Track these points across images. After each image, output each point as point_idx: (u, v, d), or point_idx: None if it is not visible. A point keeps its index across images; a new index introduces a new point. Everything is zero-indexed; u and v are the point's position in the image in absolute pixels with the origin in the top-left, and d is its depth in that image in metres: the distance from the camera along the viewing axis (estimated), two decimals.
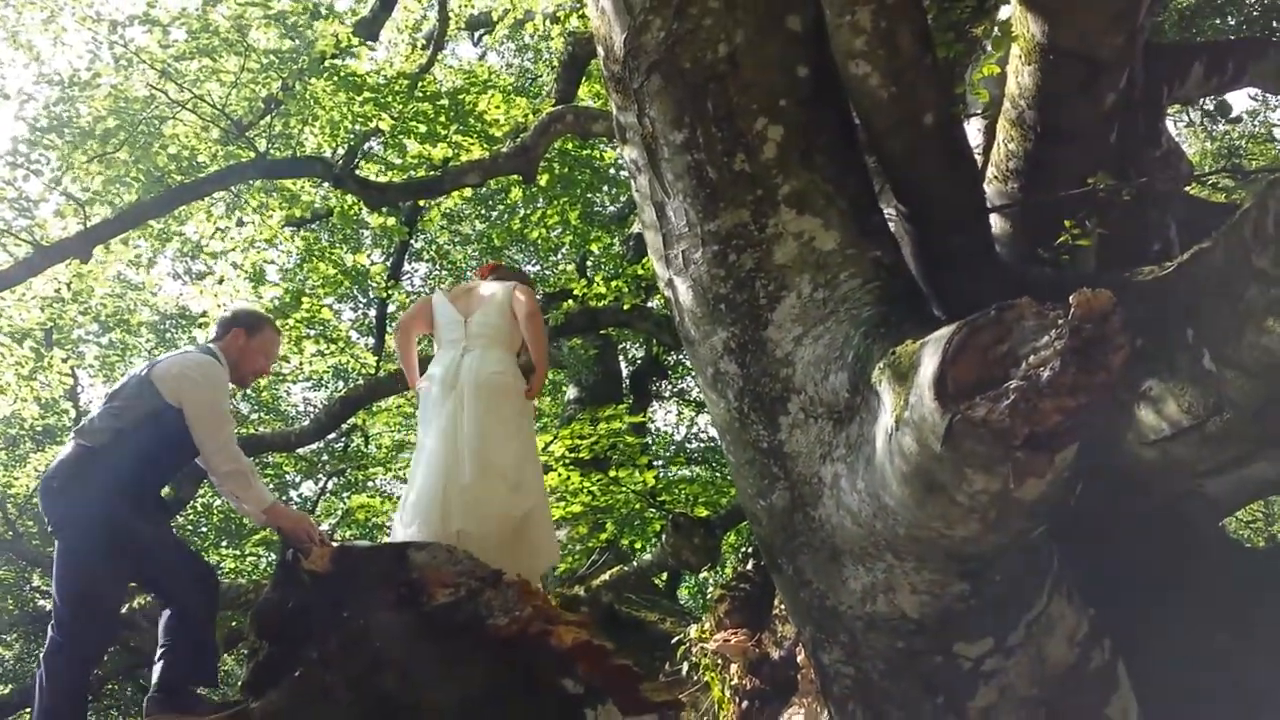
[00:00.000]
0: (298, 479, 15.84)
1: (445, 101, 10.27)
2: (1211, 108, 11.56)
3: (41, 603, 13.22)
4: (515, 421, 4.88)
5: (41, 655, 3.89)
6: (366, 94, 9.73)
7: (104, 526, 3.85)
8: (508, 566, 3.81)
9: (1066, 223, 3.96)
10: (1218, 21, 9.92)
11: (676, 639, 5.53)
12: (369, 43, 11.03)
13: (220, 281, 11.46)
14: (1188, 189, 7.07)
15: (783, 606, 4.78)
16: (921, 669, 3.40)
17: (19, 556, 11.82)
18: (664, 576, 12.16)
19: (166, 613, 3.99)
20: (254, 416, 15.89)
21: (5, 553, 11.95)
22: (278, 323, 11.55)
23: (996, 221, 4.57)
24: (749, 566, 5.36)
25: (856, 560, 3.33)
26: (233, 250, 11.27)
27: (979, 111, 4.95)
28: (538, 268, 14.81)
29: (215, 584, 4.13)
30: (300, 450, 13.36)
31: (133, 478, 3.95)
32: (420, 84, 10.67)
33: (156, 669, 3.89)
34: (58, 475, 3.97)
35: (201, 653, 3.97)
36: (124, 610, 9.63)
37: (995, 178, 4.58)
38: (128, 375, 4.23)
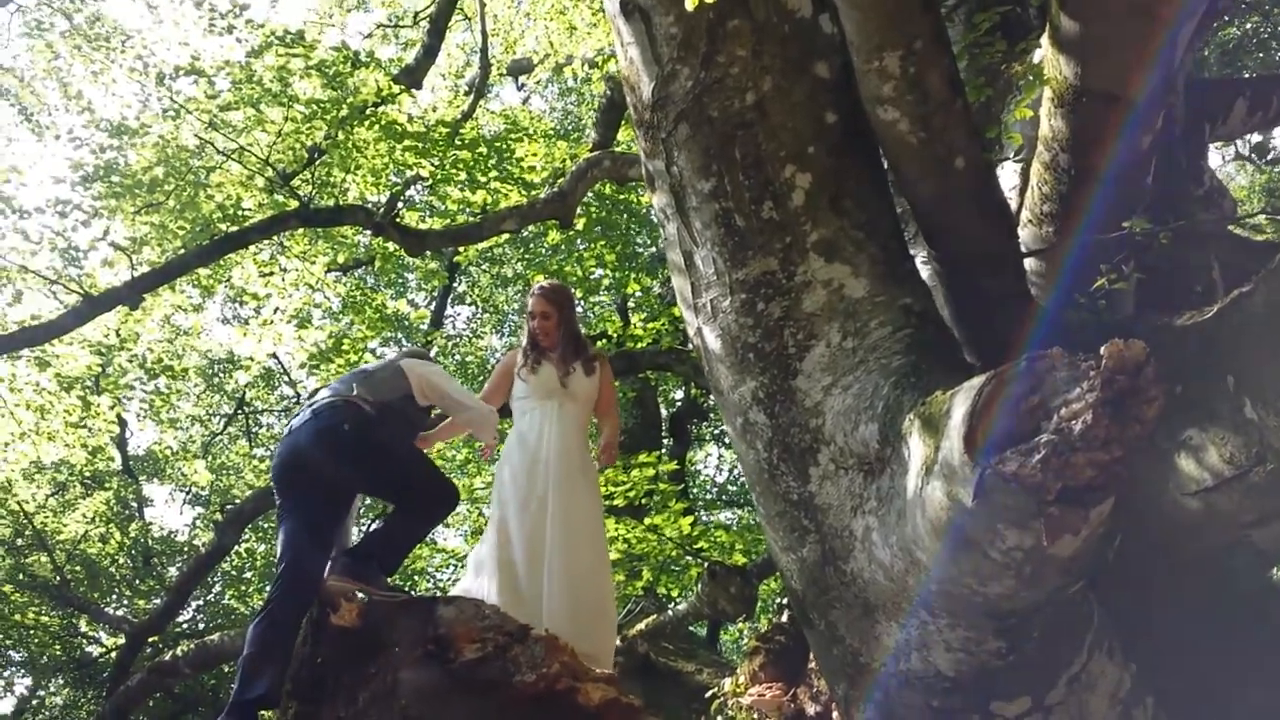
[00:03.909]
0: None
1: (484, 149, 10.35)
2: (1251, 149, 11.37)
3: (89, 649, 13.35)
4: None
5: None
6: (408, 142, 9.83)
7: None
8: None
9: (1103, 266, 3.88)
10: (1261, 56, 9.78)
11: (710, 692, 5.44)
12: (412, 90, 11.16)
13: (264, 325, 11.58)
14: (1233, 227, 6.94)
15: None
16: None
17: (66, 603, 11.94)
18: (704, 625, 12.01)
19: (255, 624, 3.99)
20: None
21: (53, 599, 12.09)
22: (320, 367, 11.67)
23: (1032, 265, 4.49)
24: (784, 618, 5.26)
25: (890, 616, 3.25)
26: (277, 295, 11.39)
27: (1013, 155, 4.89)
28: (580, 309, 14.81)
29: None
30: None
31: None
32: (461, 131, 10.77)
33: (239, 678, 3.89)
34: (358, 422, 4.28)
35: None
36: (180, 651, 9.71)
37: (1030, 221, 4.51)
38: (373, 366, 4.77)
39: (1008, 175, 4.89)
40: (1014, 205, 4.67)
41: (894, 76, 3.44)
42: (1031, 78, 4.07)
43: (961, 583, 2.84)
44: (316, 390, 4.57)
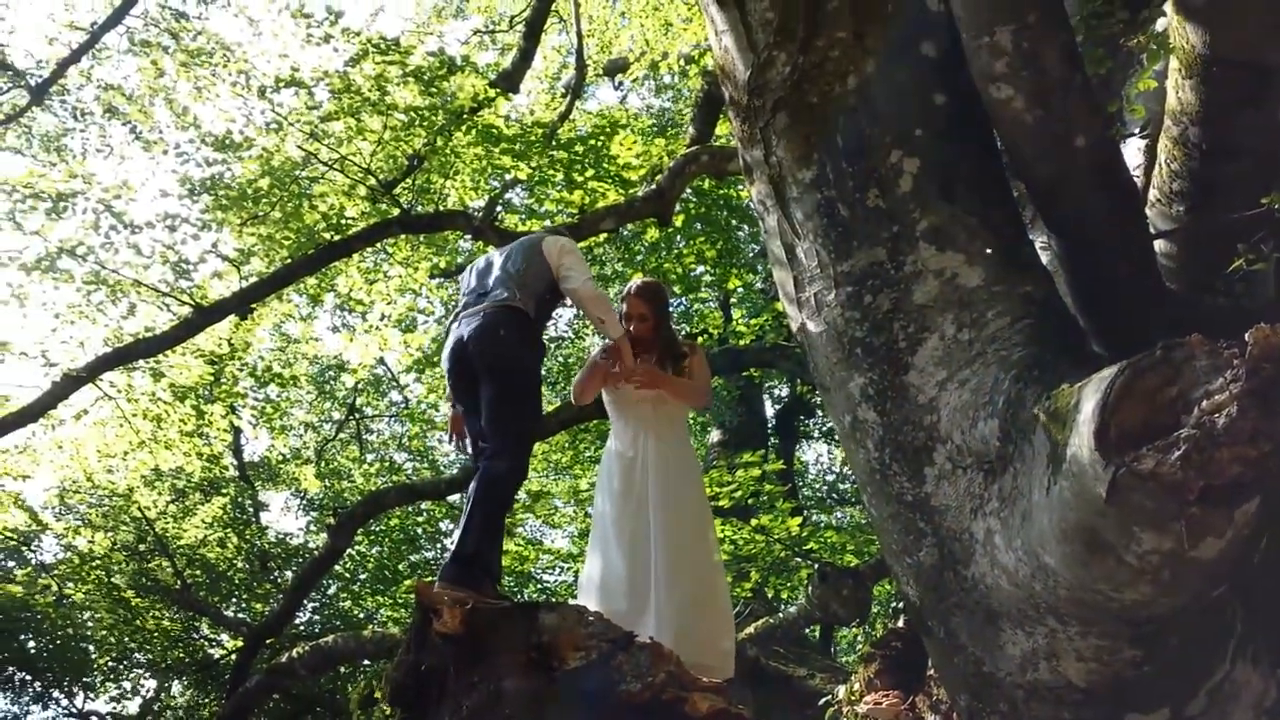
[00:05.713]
0: (450, 526, 16.09)
1: (580, 148, 10.32)
2: None
3: (211, 651, 13.72)
4: None
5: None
6: (505, 145, 9.86)
7: None
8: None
9: (1240, 247, 3.61)
10: None
11: (824, 700, 5.27)
12: (509, 94, 11.21)
13: (370, 331, 11.77)
14: None
15: None
16: None
17: (188, 606, 12.28)
18: (817, 628, 11.81)
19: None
20: (408, 466, 16.23)
21: (175, 602, 12.45)
22: (426, 372, 11.83)
23: (1162, 248, 4.23)
24: (900, 623, 5.07)
25: (1015, 624, 3.06)
26: (382, 302, 11.55)
27: (1137, 131, 4.62)
28: (683, 306, 14.72)
29: None
30: (451, 498, 13.53)
31: None
32: (557, 132, 10.77)
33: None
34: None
35: None
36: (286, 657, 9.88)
37: (1158, 200, 4.24)
38: (521, 265, 4.79)
39: (1132, 152, 4.63)
40: (1140, 184, 4.41)
41: (1007, 52, 3.26)
42: (1155, 48, 3.82)
43: (1094, 589, 2.66)
44: (487, 279, 4.75)
